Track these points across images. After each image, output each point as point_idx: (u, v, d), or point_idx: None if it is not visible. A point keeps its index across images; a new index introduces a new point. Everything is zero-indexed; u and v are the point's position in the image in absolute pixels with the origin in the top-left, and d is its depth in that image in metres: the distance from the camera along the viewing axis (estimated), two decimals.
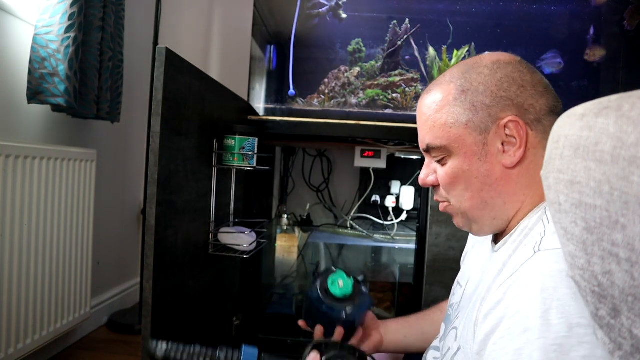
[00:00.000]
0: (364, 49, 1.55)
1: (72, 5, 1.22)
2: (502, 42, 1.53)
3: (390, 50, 1.54)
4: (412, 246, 1.59)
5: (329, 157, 2.00)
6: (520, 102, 0.55)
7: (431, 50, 1.53)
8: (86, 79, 1.35)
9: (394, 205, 1.77)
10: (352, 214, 1.90)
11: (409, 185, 1.79)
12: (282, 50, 1.60)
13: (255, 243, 1.10)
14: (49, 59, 1.20)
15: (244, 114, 1.37)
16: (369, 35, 1.55)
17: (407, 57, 1.54)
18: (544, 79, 0.57)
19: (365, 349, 0.78)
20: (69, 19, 1.22)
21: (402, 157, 1.71)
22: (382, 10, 1.56)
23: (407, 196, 1.73)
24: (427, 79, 1.54)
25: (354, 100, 1.55)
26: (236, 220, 1.21)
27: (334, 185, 2.02)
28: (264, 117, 1.42)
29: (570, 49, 1.51)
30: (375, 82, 1.55)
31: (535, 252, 0.47)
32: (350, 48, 1.56)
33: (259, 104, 1.60)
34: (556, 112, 0.56)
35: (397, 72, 1.55)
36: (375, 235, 1.76)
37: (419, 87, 1.54)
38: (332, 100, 1.56)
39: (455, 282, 0.74)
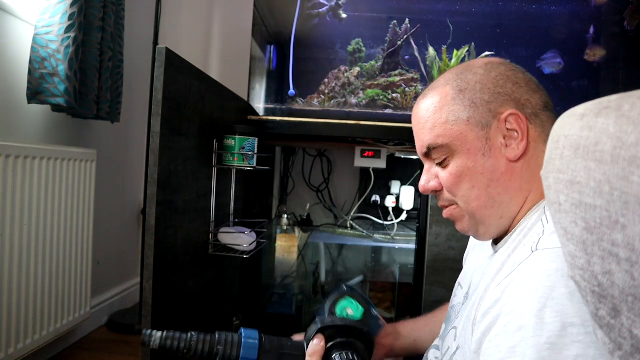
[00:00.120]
0: (364, 49, 1.55)
1: (72, 5, 1.22)
2: (502, 42, 1.53)
3: (390, 50, 1.54)
4: (412, 246, 1.59)
5: (329, 157, 2.00)
6: (517, 98, 0.56)
7: (431, 50, 1.53)
8: (86, 79, 1.35)
9: (394, 205, 1.77)
10: (352, 214, 1.90)
11: (409, 185, 1.79)
12: (282, 50, 1.60)
13: (255, 243, 1.10)
14: (49, 59, 1.20)
15: (244, 114, 1.37)
16: (369, 35, 1.55)
17: (406, 57, 1.54)
18: (534, 78, 0.59)
19: (375, 358, 0.77)
20: (69, 19, 1.22)
21: (402, 157, 1.71)
22: (382, 10, 1.56)
23: (407, 196, 1.73)
24: (427, 79, 1.54)
25: (354, 100, 1.55)
26: (236, 220, 1.21)
27: (334, 185, 2.02)
28: (264, 117, 1.42)
29: (570, 49, 1.51)
30: (375, 82, 1.55)
31: (532, 252, 0.47)
32: (350, 48, 1.56)
33: (259, 104, 1.60)
34: (550, 109, 0.58)
35: (397, 72, 1.55)
36: (375, 235, 1.76)
37: (419, 87, 1.54)
38: (332, 100, 1.56)
39: (457, 283, 0.74)
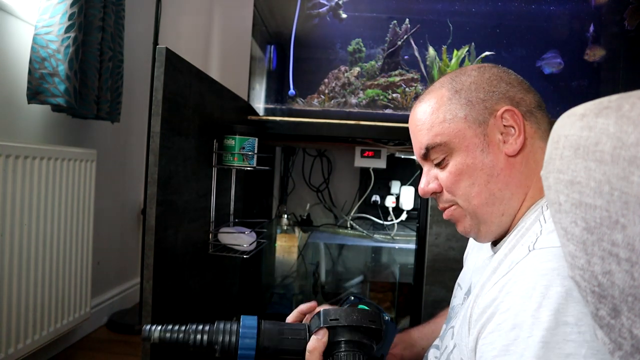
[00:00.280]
0: (364, 49, 1.55)
1: (72, 5, 1.22)
2: (502, 42, 1.53)
3: (390, 50, 1.54)
4: (412, 246, 1.59)
5: (329, 157, 2.00)
6: (511, 96, 0.57)
7: (431, 50, 1.53)
8: (86, 79, 1.35)
9: (394, 205, 1.77)
10: (352, 214, 1.90)
11: (409, 185, 1.79)
12: (282, 50, 1.60)
13: (255, 243, 1.10)
14: (49, 59, 1.20)
15: (244, 114, 1.37)
16: (369, 35, 1.55)
17: (405, 57, 1.54)
18: (526, 80, 0.61)
19: None
20: (69, 19, 1.22)
21: (402, 157, 1.71)
22: (382, 10, 1.56)
23: (407, 196, 1.73)
24: (427, 79, 1.54)
25: (354, 100, 1.55)
26: (236, 220, 1.21)
27: (334, 185, 2.02)
28: (264, 117, 1.42)
29: (570, 49, 1.51)
30: (375, 82, 1.55)
31: (529, 251, 0.48)
32: (350, 48, 1.56)
33: (259, 104, 1.60)
34: (543, 108, 0.59)
35: (397, 72, 1.55)
36: (375, 235, 1.76)
37: (419, 87, 1.54)
38: (332, 100, 1.56)
39: (456, 284, 0.74)
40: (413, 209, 1.75)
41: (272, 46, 1.64)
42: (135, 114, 1.87)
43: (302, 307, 0.65)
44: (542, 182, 0.55)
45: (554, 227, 0.37)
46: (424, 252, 1.31)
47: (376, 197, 1.87)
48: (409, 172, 1.83)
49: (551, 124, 0.56)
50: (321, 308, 0.63)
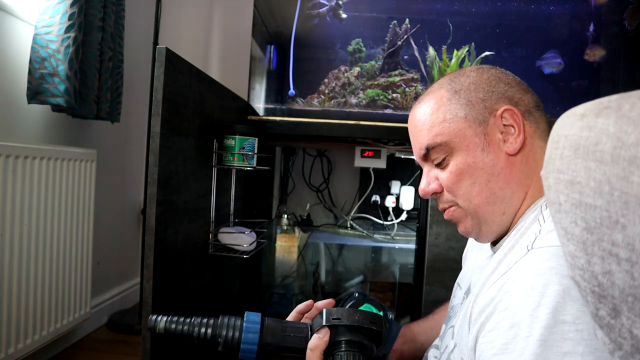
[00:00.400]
0: (364, 49, 1.55)
1: (72, 5, 1.22)
2: (502, 42, 1.53)
3: (390, 50, 1.54)
4: (412, 246, 1.59)
5: (329, 157, 2.00)
6: (510, 96, 0.58)
7: (431, 50, 1.53)
8: (86, 79, 1.35)
9: (394, 205, 1.77)
10: (352, 214, 1.90)
11: (409, 185, 1.79)
12: (282, 50, 1.60)
13: (255, 243, 1.10)
14: (49, 59, 1.20)
15: (244, 114, 1.37)
16: (369, 35, 1.55)
17: (405, 57, 1.54)
18: (523, 81, 0.61)
19: None
20: (69, 19, 1.22)
21: (402, 157, 1.71)
22: (382, 10, 1.56)
23: (407, 196, 1.73)
24: (427, 79, 1.54)
25: (354, 100, 1.55)
26: (236, 220, 1.21)
27: (334, 185, 2.02)
28: (264, 117, 1.42)
29: (570, 49, 1.51)
30: (375, 82, 1.55)
31: (528, 250, 0.48)
32: (350, 48, 1.56)
33: (259, 104, 1.60)
34: (541, 109, 0.60)
35: (397, 72, 1.55)
36: (375, 235, 1.76)
37: (419, 87, 1.54)
38: (332, 100, 1.56)
39: (456, 284, 0.74)
40: (413, 209, 1.75)
41: (272, 46, 1.64)
42: (135, 114, 1.87)
43: (300, 307, 0.66)
44: (541, 181, 0.55)
45: (554, 227, 0.37)
46: (424, 252, 1.31)
47: (376, 197, 1.87)
48: (409, 172, 1.83)
49: (549, 123, 0.56)
50: (321, 303, 0.63)
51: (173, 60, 0.82)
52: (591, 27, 1.51)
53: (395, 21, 1.54)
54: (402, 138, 1.35)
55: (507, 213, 0.57)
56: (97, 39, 1.38)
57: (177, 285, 0.88)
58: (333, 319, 0.56)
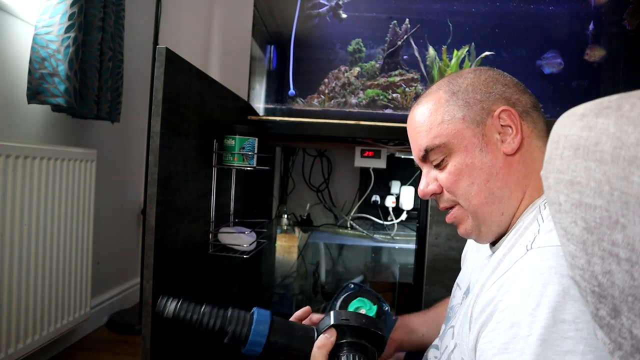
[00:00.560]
0: (364, 49, 1.55)
1: (72, 5, 1.22)
2: (502, 42, 1.53)
3: (390, 50, 1.54)
4: (412, 246, 1.59)
5: (329, 157, 2.00)
6: (507, 96, 0.58)
7: (431, 50, 1.53)
8: (86, 79, 1.35)
9: (394, 205, 1.77)
10: (352, 214, 1.90)
11: (409, 185, 1.79)
12: (282, 50, 1.60)
13: (255, 243, 1.10)
14: (49, 59, 1.20)
15: (244, 114, 1.37)
16: (369, 35, 1.55)
17: (405, 57, 1.54)
18: (521, 82, 0.62)
19: (385, 352, 0.77)
20: (69, 19, 1.22)
21: (402, 157, 1.71)
22: (382, 10, 1.56)
23: (407, 196, 1.73)
24: (427, 79, 1.54)
25: (354, 100, 1.55)
26: (236, 220, 1.21)
27: (334, 185, 2.02)
28: (264, 117, 1.42)
29: (570, 49, 1.51)
30: (375, 82, 1.55)
31: (527, 250, 0.48)
32: (350, 48, 1.56)
33: (259, 104, 1.60)
34: (539, 109, 0.60)
35: (397, 72, 1.55)
36: (375, 235, 1.76)
37: (419, 87, 1.54)
38: (332, 100, 1.56)
39: (455, 284, 0.74)
40: (413, 209, 1.75)
41: (272, 46, 1.64)
42: (135, 114, 1.87)
43: (298, 314, 0.66)
44: (540, 180, 0.55)
45: (554, 226, 0.37)
46: (424, 252, 1.31)
47: (376, 197, 1.87)
48: (409, 172, 1.83)
49: (547, 124, 0.56)
50: (315, 317, 0.63)
51: (173, 60, 0.82)
52: (591, 27, 1.51)
53: (395, 21, 1.54)
54: (402, 138, 1.35)
55: (505, 213, 0.57)
56: (97, 39, 1.38)
57: (177, 285, 0.88)
58: (342, 319, 0.57)
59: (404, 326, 0.81)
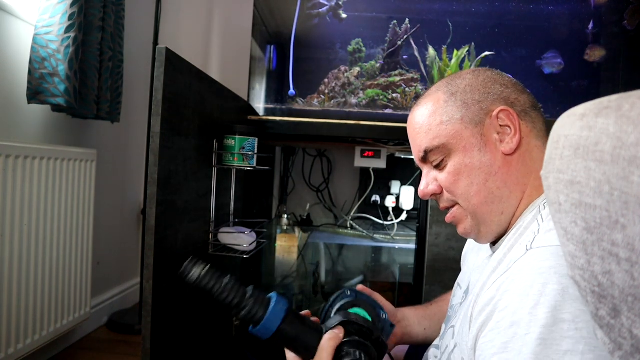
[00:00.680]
0: (364, 49, 1.55)
1: (72, 5, 1.22)
2: (502, 42, 1.53)
3: (390, 50, 1.54)
4: (412, 246, 1.59)
5: (329, 157, 2.00)
6: (506, 97, 0.59)
7: (431, 50, 1.53)
8: (86, 79, 1.35)
9: (394, 205, 1.77)
10: (352, 214, 1.90)
11: (409, 185, 1.79)
12: (282, 50, 1.60)
13: (255, 243, 1.10)
14: (49, 59, 1.20)
15: (244, 114, 1.37)
16: (369, 35, 1.55)
17: (404, 57, 1.54)
18: (520, 82, 0.62)
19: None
20: (69, 19, 1.22)
21: (402, 157, 1.71)
22: (382, 10, 1.56)
23: (407, 196, 1.73)
24: (427, 79, 1.54)
25: (354, 100, 1.55)
26: (236, 220, 1.21)
27: (334, 185, 2.02)
28: (264, 117, 1.42)
29: (570, 49, 1.51)
30: (375, 82, 1.55)
31: (527, 250, 0.48)
32: (350, 48, 1.56)
33: (259, 104, 1.60)
34: (538, 109, 0.60)
35: (397, 72, 1.55)
36: (375, 235, 1.76)
37: (419, 87, 1.54)
38: (332, 100, 1.56)
39: (456, 284, 0.74)
40: (413, 209, 1.75)
41: (272, 46, 1.64)
42: (135, 114, 1.87)
43: None
44: (539, 180, 0.56)
45: (554, 226, 0.37)
46: (424, 252, 1.31)
47: (376, 197, 1.87)
48: (409, 172, 1.83)
49: (547, 123, 0.56)
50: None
51: (173, 60, 0.82)
52: (591, 27, 1.51)
53: (395, 21, 1.54)
54: (402, 138, 1.35)
55: (505, 213, 0.57)
56: (97, 39, 1.38)
57: (177, 285, 0.88)
58: (351, 319, 0.58)
59: (405, 319, 0.81)
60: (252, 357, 1.43)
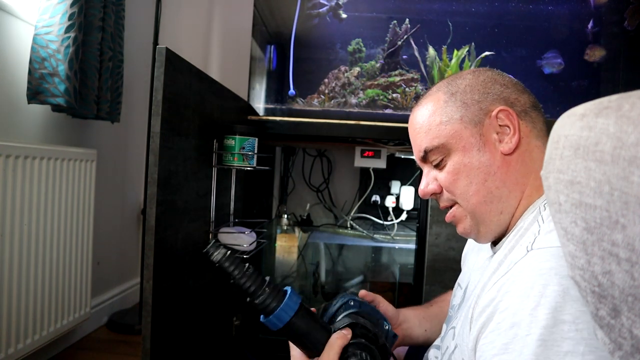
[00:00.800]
0: (364, 49, 1.55)
1: (72, 5, 1.22)
2: (502, 42, 1.53)
3: (390, 50, 1.54)
4: (412, 246, 1.59)
5: (329, 157, 2.00)
6: (506, 97, 0.59)
7: (431, 50, 1.53)
8: (86, 79, 1.35)
9: (394, 205, 1.77)
10: (352, 214, 1.90)
11: (409, 185, 1.79)
12: (282, 50, 1.60)
13: (255, 243, 1.10)
14: (49, 59, 1.20)
15: (244, 114, 1.37)
16: (369, 35, 1.55)
17: (404, 57, 1.54)
18: (520, 82, 0.62)
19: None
20: (69, 19, 1.22)
21: (402, 157, 1.71)
22: (382, 10, 1.56)
23: (407, 196, 1.73)
24: (427, 79, 1.54)
25: (354, 100, 1.55)
26: (236, 220, 1.21)
27: (334, 185, 2.02)
28: (264, 117, 1.42)
29: (570, 49, 1.51)
30: (375, 82, 1.55)
31: (528, 251, 0.48)
32: (350, 48, 1.56)
33: (259, 104, 1.60)
34: (538, 109, 0.60)
35: (397, 72, 1.55)
36: (375, 235, 1.76)
37: (419, 87, 1.54)
38: (332, 100, 1.56)
39: (456, 284, 0.74)
40: (413, 209, 1.75)
41: (272, 46, 1.64)
42: (135, 114, 1.87)
43: None
44: (539, 180, 0.55)
45: (554, 227, 0.37)
46: (424, 252, 1.31)
47: (376, 197, 1.87)
48: (409, 172, 1.83)
49: (547, 123, 0.56)
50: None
51: (173, 60, 0.82)
52: (591, 27, 1.51)
53: (395, 21, 1.54)
54: (402, 138, 1.35)
55: (504, 212, 0.57)
56: (97, 39, 1.38)
57: (177, 285, 0.88)
58: (359, 322, 0.60)
59: (407, 321, 0.81)
60: (252, 357, 1.43)
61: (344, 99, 1.55)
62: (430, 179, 0.62)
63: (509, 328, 0.44)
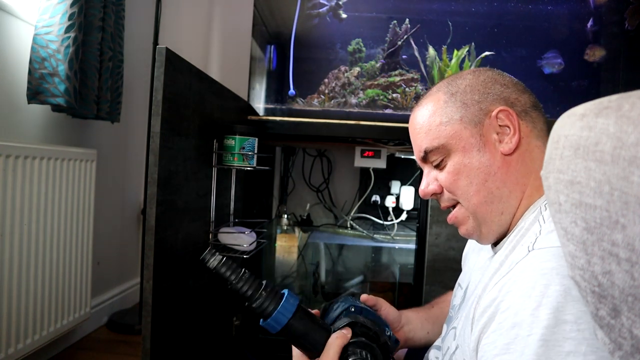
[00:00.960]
0: (364, 49, 1.55)
1: (72, 5, 1.22)
2: (502, 42, 1.53)
3: (390, 50, 1.54)
4: (412, 246, 1.59)
5: (329, 157, 2.00)
6: (506, 97, 0.59)
7: (431, 50, 1.53)
8: (86, 79, 1.35)
9: (394, 205, 1.77)
10: (352, 214, 1.90)
11: (409, 185, 1.79)
12: (282, 50, 1.60)
13: (255, 243, 1.10)
14: (49, 59, 1.20)
15: (244, 114, 1.37)
16: (369, 35, 1.55)
17: (404, 57, 1.54)
18: (521, 82, 0.62)
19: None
20: (69, 19, 1.22)
21: (402, 157, 1.71)
22: (382, 10, 1.56)
23: (407, 196, 1.73)
24: (427, 79, 1.54)
25: (354, 100, 1.55)
26: (236, 220, 1.21)
27: (334, 185, 2.02)
28: (264, 117, 1.42)
29: (570, 49, 1.51)
30: (375, 82, 1.55)
31: (529, 251, 0.48)
32: (350, 48, 1.56)
33: (259, 104, 1.60)
34: (539, 109, 0.60)
35: (397, 72, 1.55)
36: (375, 235, 1.76)
37: (419, 87, 1.54)
38: (332, 100, 1.56)
39: (457, 284, 0.74)
40: (413, 209, 1.75)
41: (272, 46, 1.64)
42: (135, 114, 1.87)
43: None
44: (539, 180, 0.55)
45: (554, 227, 0.37)
46: (424, 252, 1.31)
47: (376, 197, 1.87)
48: (409, 172, 1.83)
49: (547, 123, 0.56)
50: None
51: (173, 60, 0.82)
52: (591, 27, 1.51)
53: (395, 21, 1.54)
54: (402, 138, 1.35)
55: (505, 212, 0.57)
56: (97, 39, 1.38)
57: (177, 285, 0.88)
58: (359, 321, 0.60)
59: (409, 323, 0.81)
60: (252, 357, 1.43)
61: (344, 99, 1.56)
62: (430, 179, 0.62)
63: (511, 328, 0.44)
